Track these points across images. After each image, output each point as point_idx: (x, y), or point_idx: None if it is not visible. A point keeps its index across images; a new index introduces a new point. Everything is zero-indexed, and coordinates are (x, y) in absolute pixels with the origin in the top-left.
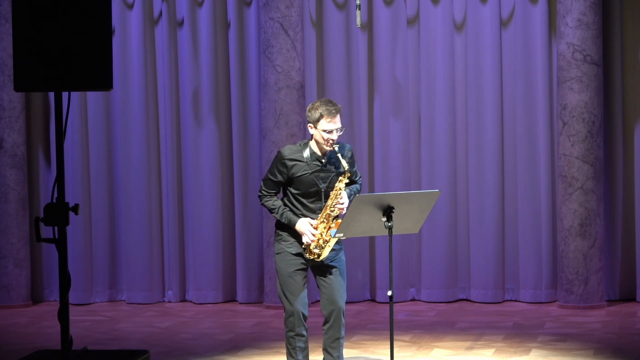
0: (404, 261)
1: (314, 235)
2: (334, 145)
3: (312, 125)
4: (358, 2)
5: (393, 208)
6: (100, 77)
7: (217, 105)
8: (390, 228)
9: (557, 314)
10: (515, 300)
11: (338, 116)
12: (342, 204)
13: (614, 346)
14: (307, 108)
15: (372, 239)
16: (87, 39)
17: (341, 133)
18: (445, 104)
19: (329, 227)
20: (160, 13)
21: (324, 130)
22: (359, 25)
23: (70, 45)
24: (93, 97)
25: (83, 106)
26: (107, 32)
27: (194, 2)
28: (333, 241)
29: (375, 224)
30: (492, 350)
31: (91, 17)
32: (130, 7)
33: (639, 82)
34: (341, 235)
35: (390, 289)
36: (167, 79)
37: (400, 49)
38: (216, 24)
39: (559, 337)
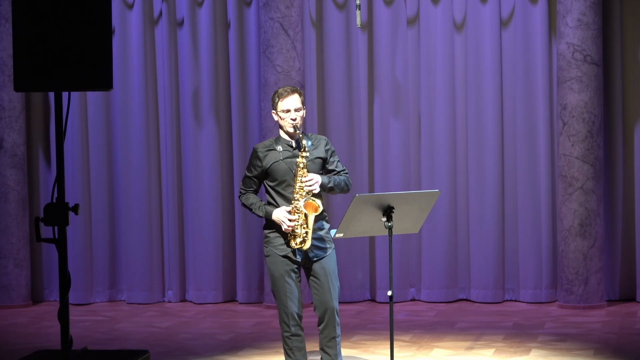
0: (404, 261)
1: (290, 220)
2: (295, 125)
3: (274, 111)
4: (358, 2)
5: (393, 208)
6: (100, 77)
7: (217, 105)
8: (390, 228)
9: (557, 314)
10: (515, 300)
11: (295, 95)
12: (310, 180)
13: (614, 346)
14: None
15: (372, 239)
16: (87, 39)
17: (301, 114)
18: (445, 104)
19: (301, 210)
20: (160, 13)
21: (282, 110)
22: (359, 25)
23: (70, 45)
24: (93, 97)
25: (83, 106)
26: (107, 32)
27: (194, 2)
28: (311, 224)
29: (375, 224)
30: (492, 350)
31: (91, 17)
32: (130, 7)
33: (639, 82)
34: (341, 235)
35: (390, 289)
36: (167, 79)
37: (400, 49)
38: (216, 24)
39: (559, 337)
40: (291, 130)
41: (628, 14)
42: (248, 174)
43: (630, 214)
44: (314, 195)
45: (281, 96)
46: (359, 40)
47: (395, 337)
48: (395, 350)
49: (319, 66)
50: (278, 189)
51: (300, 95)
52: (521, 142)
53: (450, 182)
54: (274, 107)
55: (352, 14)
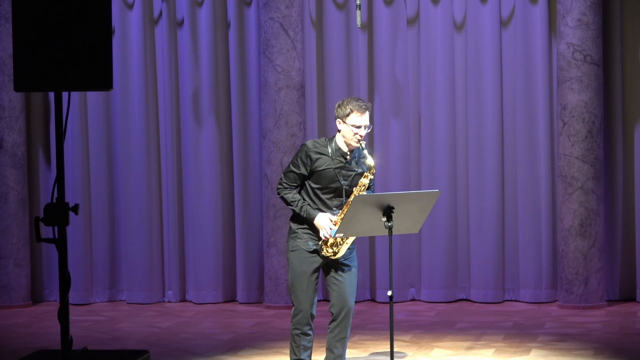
0: (404, 261)
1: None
2: (361, 142)
3: (340, 120)
4: (358, 2)
5: (393, 208)
6: (100, 77)
7: (217, 105)
8: (390, 228)
9: (557, 314)
10: (515, 300)
11: (367, 113)
12: None
13: (614, 346)
14: (337, 104)
15: (372, 239)
16: (87, 39)
17: (368, 131)
18: (445, 103)
19: None
20: (160, 13)
21: (353, 125)
22: (359, 25)
23: (70, 45)
24: (93, 97)
25: (83, 106)
26: (107, 32)
27: (194, 2)
28: (351, 240)
29: (375, 224)
30: (492, 350)
31: (91, 17)
32: (130, 7)
33: (639, 82)
34: (341, 235)
35: (390, 289)
36: (167, 79)
37: (400, 49)
38: (216, 24)
39: (559, 337)
40: (355, 145)
41: (628, 14)
42: (294, 170)
43: (630, 214)
44: None
45: (356, 110)
46: (359, 40)
47: (395, 337)
48: (395, 350)
49: (319, 66)
50: (319, 192)
51: (370, 112)
52: (521, 142)
53: (450, 182)
54: (343, 117)
55: (352, 14)
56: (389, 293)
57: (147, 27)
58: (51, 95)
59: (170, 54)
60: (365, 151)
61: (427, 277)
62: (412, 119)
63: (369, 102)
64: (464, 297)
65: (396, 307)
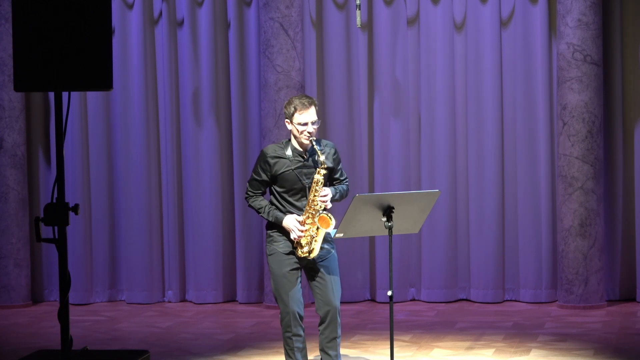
0: (404, 261)
1: (300, 230)
2: (311, 139)
3: (288, 120)
4: (358, 2)
5: (393, 208)
6: (100, 77)
7: (217, 105)
8: (390, 228)
9: (557, 314)
10: (515, 300)
11: (312, 108)
12: (325, 196)
13: (614, 346)
14: (284, 105)
15: (372, 239)
16: (87, 39)
17: (317, 126)
18: (445, 104)
19: (315, 222)
20: (160, 13)
21: (299, 124)
22: (359, 25)
23: (70, 45)
24: (93, 97)
25: (83, 106)
26: (107, 32)
27: (194, 2)
28: (321, 237)
29: (375, 224)
30: (492, 350)
31: (91, 17)
32: (130, 7)
33: (639, 82)
34: (341, 235)
35: (390, 289)
36: (167, 79)
37: (400, 49)
38: (216, 24)
39: (559, 337)
40: (306, 142)
41: (628, 14)
42: (256, 177)
43: (630, 214)
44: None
45: (299, 109)
46: (359, 40)
47: (395, 337)
48: (395, 350)
49: (319, 66)
50: (285, 195)
51: (316, 106)
52: (521, 142)
53: (450, 182)
54: (289, 117)
55: (352, 14)
56: (389, 293)
57: (147, 27)
58: (51, 95)
59: (170, 54)
60: (316, 147)
61: (427, 277)
62: (412, 119)
63: (313, 97)
64: (464, 297)
65: (396, 307)
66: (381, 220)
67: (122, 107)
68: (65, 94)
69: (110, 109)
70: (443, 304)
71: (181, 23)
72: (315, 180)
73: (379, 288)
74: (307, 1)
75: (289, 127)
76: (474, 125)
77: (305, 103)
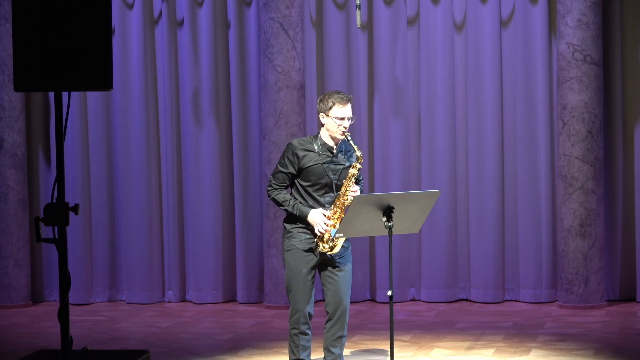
0: (404, 261)
1: (327, 225)
2: (346, 134)
3: (324, 114)
4: (358, 2)
5: (393, 208)
6: (100, 77)
7: (217, 105)
8: (390, 228)
9: (557, 314)
10: (515, 300)
11: (349, 105)
12: (355, 191)
13: (614, 346)
14: (319, 99)
15: (372, 239)
16: (87, 39)
17: (352, 122)
18: (445, 104)
19: (342, 217)
20: (160, 13)
21: (336, 118)
22: (359, 25)
23: (70, 45)
24: (93, 97)
25: (83, 106)
26: (107, 32)
27: (194, 2)
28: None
29: (375, 224)
30: (492, 350)
31: (91, 17)
32: (130, 7)
33: (639, 82)
34: (341, 235)
35: (390, 289)
36: (167, 79)
37: (400, 49)
38: (216, 24)
39: (559, 337)
40: (340, 137)
41: (628, 14)
42: (282, 169)
43: (630, 214)
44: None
45: (338, 102)
46: (359, 40)
47: (395, 337)
48: (395, 350)
49: (319, 66)
50: (309, 190)
51: (352, 103)
52: (521, 142)
53: (450, 182)
54: (325, 110)
55: (352, 14)
56: (389, 293)
57: (147, 27)
58: (51, 95)
59: (170, 54)
60: (352, 142)
61: (427, 277)
62: (412, 119)
63: (351, 94)
64: (464, 297)
65: (396, 307)
66: (381, 220)
67: (122, 107)
68: (65, 94)
69: (110, 109)
70: (443, 304)
71: (181, 23)
72: (350, 174)
73: (379, 288)
74: (307, 1)
75: (324, 120)
76: (474, 125)
77: (345, 98)
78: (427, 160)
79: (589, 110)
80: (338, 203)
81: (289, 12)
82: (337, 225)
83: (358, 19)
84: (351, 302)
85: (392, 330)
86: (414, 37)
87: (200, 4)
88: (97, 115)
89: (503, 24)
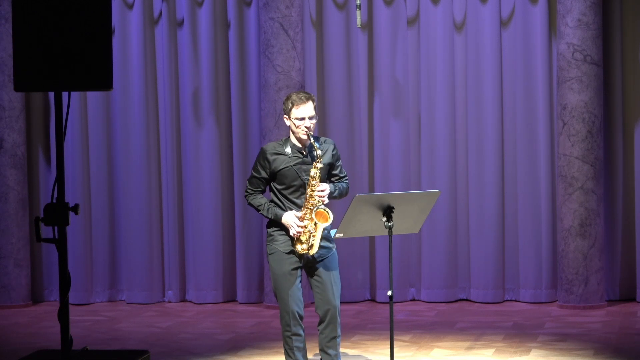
0: (404, 261)
1: (299, 226)
2: (308, 134)
3: (286, 116)
4: (358, 2)
5: (393, 208)
6: (100, 77)
7: (217, 105)
8: (390, 228)
9: (557, 314)
10: (515, 300)
11: (310, 103)
12: (322, 191)
13: (614, 346)
14: (283, 101)
15: (372, 239)
16: (87, 39)
17: (314, 121)
18: (445, 104)
19: (312, 218)
20: (160, 13)
21: (296, 118)
22: (359, 25)
23: (70, 45)
24: (93, 97)
25: (83, 106)
26: (107, 32)
27: (194, 2)
28: (320, 232)
29: (375, 224)
30: (492, 350)
31: (91, 17)
32: (130, 7)
33: (639, 82)
34: (341, 235)
35: (390, 289)
36: (167, 79)
37: (400, 49)
38: (216, 24)
39: (559, 337)
40: (304, 137)
41: (628, 14)
42: (255, 175)
43: (630, 214)
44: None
45: (296, 103)
46: (359, 40)
47: (395, 337)
48: (395, 350)
49: (319, 66)
50: (285, 192)
51: (314, 102)
52: (521, 142)
53: (450, 182)
54: (287, 112)
55: (352, 14)
56: (389, 293)
57: (147, 27)
58: (51, 95)
59: (170, 54)
60: (313, 141)
61: (427, 277)
62: (412, 119)
63: (311, 93)
64: (464, 297)
65: (396, 307)
66: (381, 220)
67: (122, 107)
68: (65, 94)
69: (110, 109)
70: (443, 304)
71: (181, 23)
72: (311, 174)
73: (379, 288)
74: (307, 1)
75: (287, 122)
76: (474, 125)
77: (303, 97)
78: (427, 160)
79: (589, 110)
80: (307, 204)
81: (289, 12)
82: (310, 227)
83: (358, 19)
84: (351, 302)
85: (392, 330)
86: (414, 37)
87: (200, 4)
88: (97, 115)
89: (503, 24)
